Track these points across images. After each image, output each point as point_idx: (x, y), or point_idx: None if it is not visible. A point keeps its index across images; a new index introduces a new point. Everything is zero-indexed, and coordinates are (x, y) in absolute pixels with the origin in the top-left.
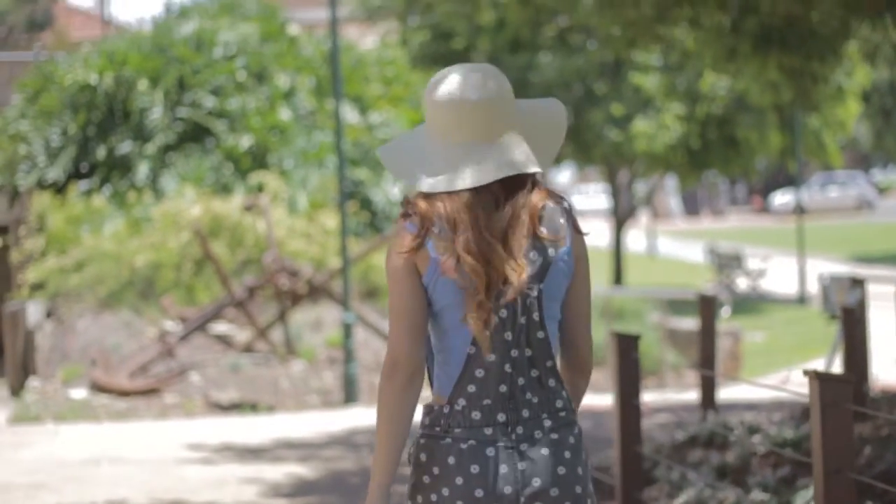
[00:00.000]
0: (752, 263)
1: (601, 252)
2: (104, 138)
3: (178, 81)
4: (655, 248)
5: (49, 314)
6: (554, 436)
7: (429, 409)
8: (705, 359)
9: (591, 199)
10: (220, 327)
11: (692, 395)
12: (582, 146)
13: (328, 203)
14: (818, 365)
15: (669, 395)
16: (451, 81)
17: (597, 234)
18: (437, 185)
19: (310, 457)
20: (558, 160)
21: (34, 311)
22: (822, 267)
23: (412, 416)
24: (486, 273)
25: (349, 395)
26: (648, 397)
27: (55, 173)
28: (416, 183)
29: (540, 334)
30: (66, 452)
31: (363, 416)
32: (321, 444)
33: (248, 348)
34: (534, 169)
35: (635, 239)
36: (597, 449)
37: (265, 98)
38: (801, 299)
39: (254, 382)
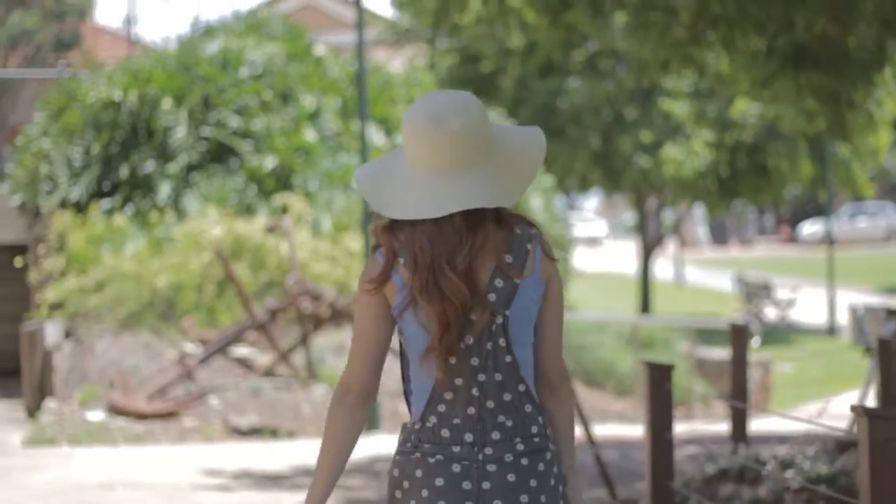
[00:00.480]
0: (781, 293)
1: (629, 280)
2: (127, 157)
3: (203, 100)
4: (683, 277)
5: (67, 334)
6: (524, 461)
7: (402, 428)
8: (737, 389)
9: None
10: (240, 350)
11: (722, 427)
12: (610, 173)
13: (353, 225)
14: (851, 397)
15: (698, 426)
16: (425, 110)
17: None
18: (399, 213)
19: None
20: (586, 186)
21: (52, 332)
22: (851, 297)
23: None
24: (444, 312)
25: (371, 421)
26: (678, 428)
27: (77, 193)
28: (383, 210)
29: (507, 359)
30: (80, 476)
31: (385, 443)
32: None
33: (269, 372)
34: (496, 204)
35: (663, 267)
36: (625, 481)
37: (290, 119)
38: (831, 330)
39: (274, 407)
